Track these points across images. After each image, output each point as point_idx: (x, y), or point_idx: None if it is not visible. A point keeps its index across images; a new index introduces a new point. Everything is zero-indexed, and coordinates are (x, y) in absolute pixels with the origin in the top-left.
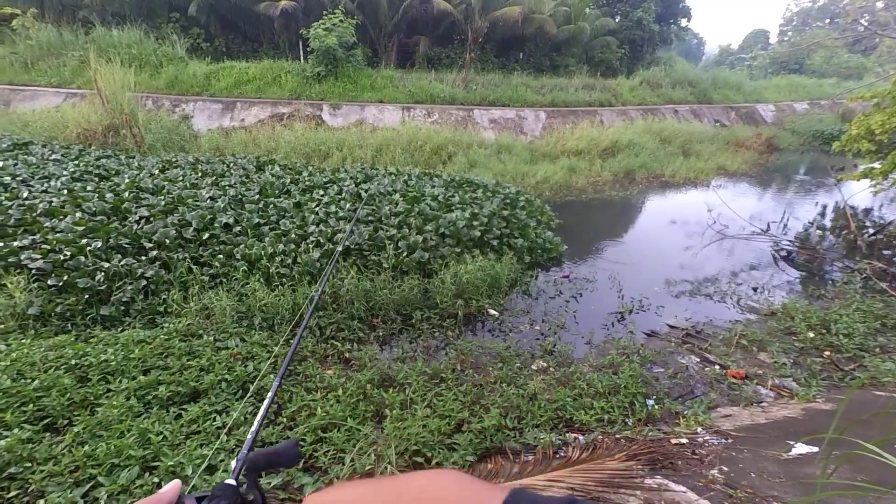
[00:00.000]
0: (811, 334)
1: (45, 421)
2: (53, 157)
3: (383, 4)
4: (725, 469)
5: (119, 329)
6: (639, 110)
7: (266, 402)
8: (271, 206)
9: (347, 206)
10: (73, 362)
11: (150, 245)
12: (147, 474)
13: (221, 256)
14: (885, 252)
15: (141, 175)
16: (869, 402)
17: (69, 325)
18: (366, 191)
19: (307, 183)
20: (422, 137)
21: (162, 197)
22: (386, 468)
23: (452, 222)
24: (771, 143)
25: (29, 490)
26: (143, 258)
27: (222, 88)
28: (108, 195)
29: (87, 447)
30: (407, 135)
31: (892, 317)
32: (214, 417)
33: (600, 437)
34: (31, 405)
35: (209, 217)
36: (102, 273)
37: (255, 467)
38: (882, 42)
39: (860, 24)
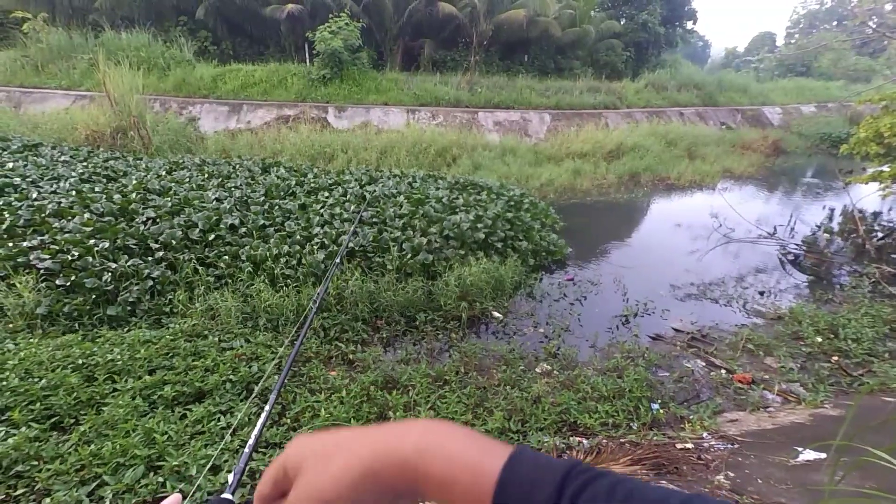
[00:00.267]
0: (819, 339)
1: (52, 420)
2: (62, 158)
3: (389, 8)
4: (731, 475)
5: (125, 329)
6: (644, 113)
7: (269, 403)
8: (276, 207)
9: (352, 207)
10: (79, 362)
11: (157, 246)
12: (152, 474)
13: (227, 257)
14: (894, 256)
15: (148, 176)
16: (878, 409)
17: (76, 324)
18: (370, 193)
19: (312, 185)
20: (426, 140)
21: (169, 198)
22: None
23: (457, 224)
24: (777, 146)
25: (35, 488)
26: (150, 259)
27: (229, 91)
28: (116, 196)
29: (92, 446)
30: (412, 137)
31: None
32: (219, 418)
33: (605, 441)
34: (38, 404)
35: (215, 218)
36: (109, 273)
37: None
38: (891, 44)
39: (868, 26)
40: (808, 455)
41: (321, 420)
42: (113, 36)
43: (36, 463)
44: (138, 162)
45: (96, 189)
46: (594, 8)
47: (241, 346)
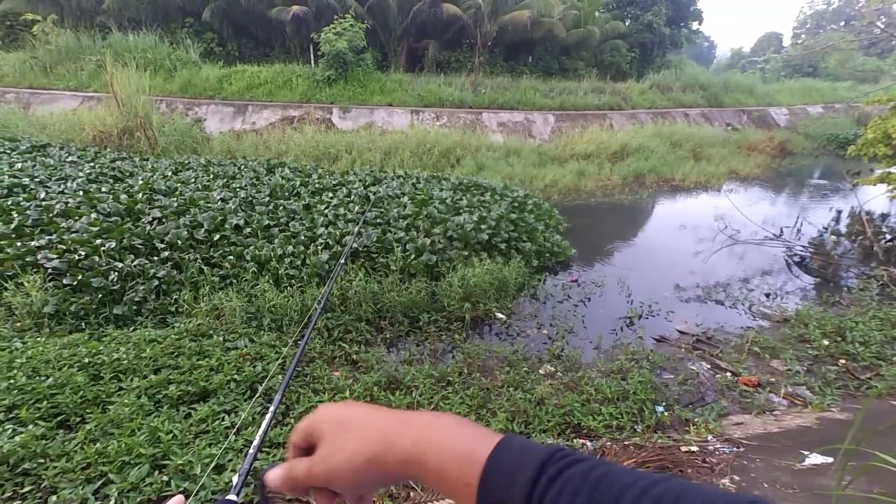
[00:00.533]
0: (826, 342)
1: (59, 418)
2: (70, 158)
3: (393, 9)
4: (737, 478)
5: (131, 328)
6: (649, 114)
7: (274, 403)
8: (281, 208)
9: (356, 208)
10: (86, 360)
11: (163, 246)
12: (157, 472)
13: (232, 257)
14: None
15: (154, 177)
16: (886, 413)
17: (83, 323)
18: (374, 193)
19: (317, 185)
20: (430, 141)
21: (174, 198)
22: None
23: (460, 225)
24: (784, 147)
25: (42, 486)
26: (156, 258)
27: (234, 92)
28: (123, 196)
29: (98, 444)
30: (416, 138)
31: None
32: (223, 417)
33: (608, 443)
34: (45, 402)
35: (220, 218)
36: (116, 273)
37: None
38: None
39: (876, 26)
40: (815, 459)
41: None
42: (120, 37)
43: (42, 461)
44: (144, 162)
45: (103, 189)
46: (599, 8)
47: (246, 346)
